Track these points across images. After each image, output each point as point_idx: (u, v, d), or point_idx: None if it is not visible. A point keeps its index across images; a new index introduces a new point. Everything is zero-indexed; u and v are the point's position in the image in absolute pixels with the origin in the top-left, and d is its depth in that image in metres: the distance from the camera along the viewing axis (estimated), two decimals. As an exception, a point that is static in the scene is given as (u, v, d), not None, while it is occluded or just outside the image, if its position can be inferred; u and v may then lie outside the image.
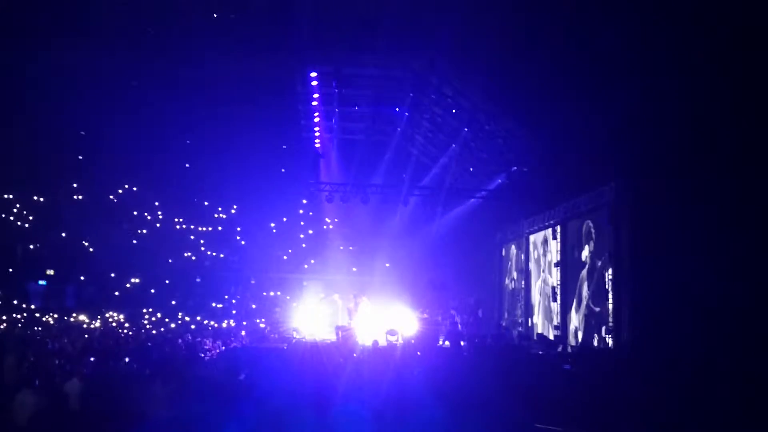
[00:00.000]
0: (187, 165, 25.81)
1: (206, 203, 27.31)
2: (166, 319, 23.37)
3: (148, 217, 26.79)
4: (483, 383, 11.74)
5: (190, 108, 21.79)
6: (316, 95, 20.02)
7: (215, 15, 17.35)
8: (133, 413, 9.70)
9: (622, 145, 14.04)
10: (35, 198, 25.71)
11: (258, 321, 24.68)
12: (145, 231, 26.57)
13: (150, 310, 24.16)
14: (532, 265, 20.66)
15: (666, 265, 12.72)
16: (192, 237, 27.30)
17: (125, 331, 20.38)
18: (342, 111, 21.58)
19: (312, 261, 27.89)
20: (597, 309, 15.52)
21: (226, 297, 26.84)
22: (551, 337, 17.87)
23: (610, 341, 14.47)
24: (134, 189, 26.29)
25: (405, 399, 10.75)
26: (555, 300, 18.16)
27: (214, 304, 26.17)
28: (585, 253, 16.51)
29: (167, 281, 25.88)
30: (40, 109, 20.42)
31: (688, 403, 9.61)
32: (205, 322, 23.71)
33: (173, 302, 25.17)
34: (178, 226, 27.09)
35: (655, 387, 10.48)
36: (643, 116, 13.10)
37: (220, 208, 27.68)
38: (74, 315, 23.10)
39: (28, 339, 16.18)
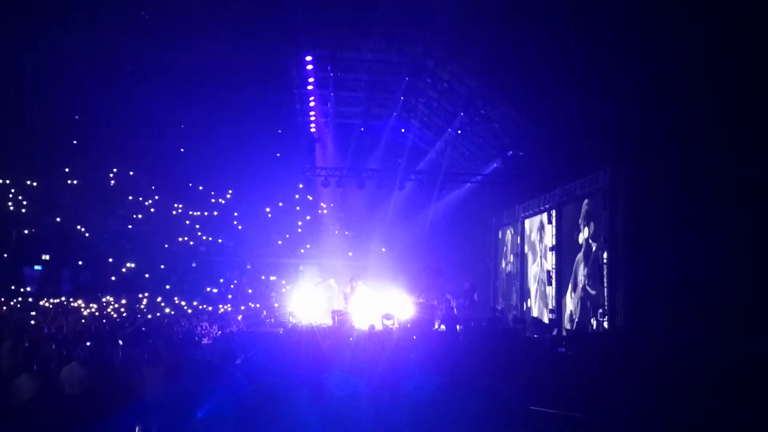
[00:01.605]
0: (182, 149, 25.74)
1: (201, 188, 27.28)
2: (162, 304, 23.39)
3: (145, 202, 26.73)
4: (478, 367, 11.78)
5: (185, 92, 21.70)
6: (311, 79, 19.91)
7: (210, -2, 17.24)
8: (130, 397, 9.71)
9: (618, 130, 14.02)
10: (29, 182, 25.61)
11: (254, 305, 24.71)
12: (140, 216, 26.54)
13: (146, 294, 24.14)
14: (527, 249, 20.69)
15: (661, 249, 12.73)
16: (187, 222, 27.28)
17: (121, 315, 20.38)
18: (337, 95, 21.48)
19: (308, 246, 27.92)
20: (592, 292, 15.57)
21: (222, 281, 26.86)
22: (546, 321, 17.93)
23: (605, 324, 14.52)
24: (130, 173, 26.23)
25: (401, 383, 10.78)
26: (550, 284, 18.19)
27: (209, 289, 26.20)
28: (581, 237, 16.53)
29: (163, 266, 25.89)
30: (34, 93, 20.28)
31: (684, 387, 9.65)
32: (201, 306, 23.73)
33: (168, 287, 25.16)
34: (173, 211, 27.04)
35: (650, 370, 10.53)
36: (639, 101, 13.08)
37: (214, 193, 27.61)
38: (70, 300, 23.09)
39: (24, 324, 16.15)
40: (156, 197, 26.86)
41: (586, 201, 16.33)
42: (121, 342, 13.47)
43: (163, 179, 26.29)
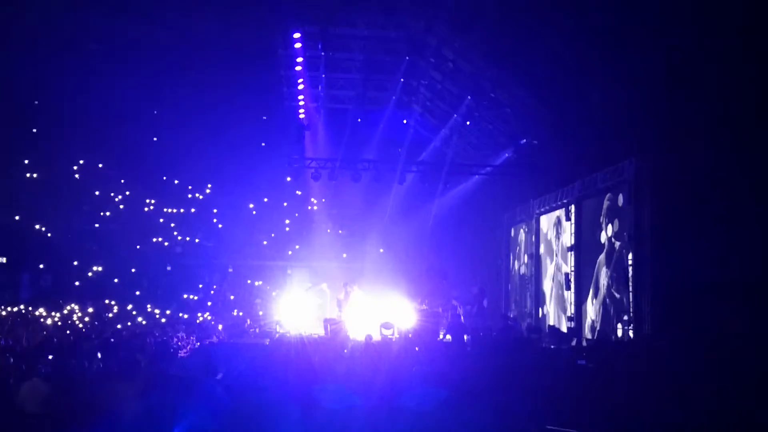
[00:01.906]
0: (155, 138, 25.68)
1: (177, 181, 27.22)
2: (134, 312, 23.35)
3: (114, 198, 26.67)
4: (488, 381, 11.78)
5: (158, 74, 21.64)
6: (299, 59, 19.86)
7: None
8: (97, 416, 9.70)
9: (644, 116, 14.03)
10: (-18, 176, 25.53)
11: (236, 314, 24.70)
12: (108, 213, 26.49)
13: (114, 302, 24.11)
14: (543, 250, 20.71)
15: (693, 247, 12.75)
16: (162, 219, 27.23)
17: (88, 325, 20.35)
18: (329, 77, 21.45)
19: (297, 246, 27.91)
20: (616, 297, 15.59)
21: (201, 287, 26.85)
22: (564, 330, 17.96)
23: (630, 333, 14.54)
24: (98, 166, 26.13)
25: (401, 400, 10.78)
26: (569, 288, 18.21)
27: (186, 296, 26.18)
28: (603, 236, 16.56)
29: (134, 270, 25.86)
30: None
31: (720, 402, 9.66)
32: (178, 315, 23.72)
33: (140, 293, 25.14)
34: (146, 208, 27.00)
35: (681, 384, 10.53)
36: (669, 84, 13.07)
37: (191, 187, 27.57)
38: (30, 308, 23.07)
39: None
40: (126, 192, 26.79)
41: (608, 195, 16.34)
42: (89, 356, 13.45)
43: (135, 172, 26.21)
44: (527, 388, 11.41)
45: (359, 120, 23.62)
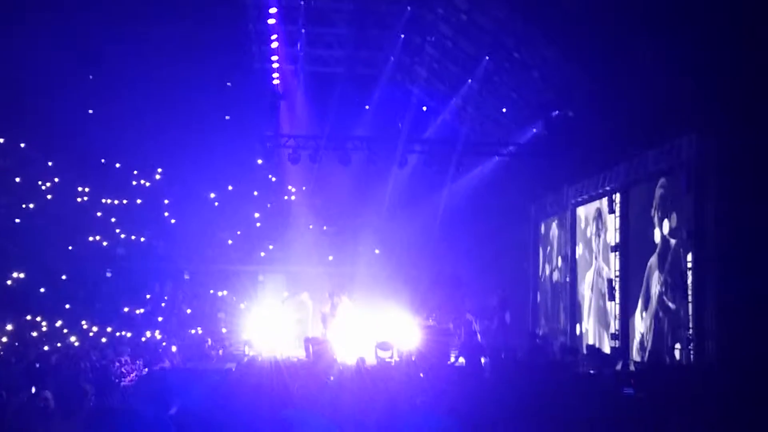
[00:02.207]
0: (90, 111, 25.59)
1: (119, 165, 27.16)
2: (65, 330, 23.34)
3: (40, 186, 26.62)
4: (512, 414, 11.84)
5: (93, 27, 21.53)
6: (273, 10, 19.88)
7: None
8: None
9: (708, 83, 14.03)
10: None
11: (194, 332, 24.72)
12: (32, 205, 26.40)
13: (40, 317, 24.11)
14: (580, 250, 20.77)
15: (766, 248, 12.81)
16: (99, 213, 27.18)
17: (6, 346, 20.38)
18: (311, 32, 21.48)
19: (270, 247, 27.92)
20: (672, 309, 15.66)
21: (149, 298, 26.82)
22: (607, 350, 18.04)
23: (690, 355, 14.62)
24: (20, 145, 26.07)
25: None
26: (612, 298, 18.29)
27: (131, 309, 26.16)
28: (655, 232, 16.62)
29: (64, 276, 25.80)
30: None
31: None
32: (120, 333, 23.73)
33: (72, 306, 25.11)
34: (79, 198, 26.95)
35: (752, 417, 10.60)
36: (738, 45, 13.08)
37: (137, 172, 27.53)
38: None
39: None
40: (55, 179, 26.71)
41: (662, 181, 16.40)
42: (7, 386, 13.48)
43: (65, 153, 26.13)
44: (560, 423, 11.48)
45: (349, 87, 23.61)
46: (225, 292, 27.35)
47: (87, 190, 26.91)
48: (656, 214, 16.61)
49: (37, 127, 24.72)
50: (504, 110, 22.65)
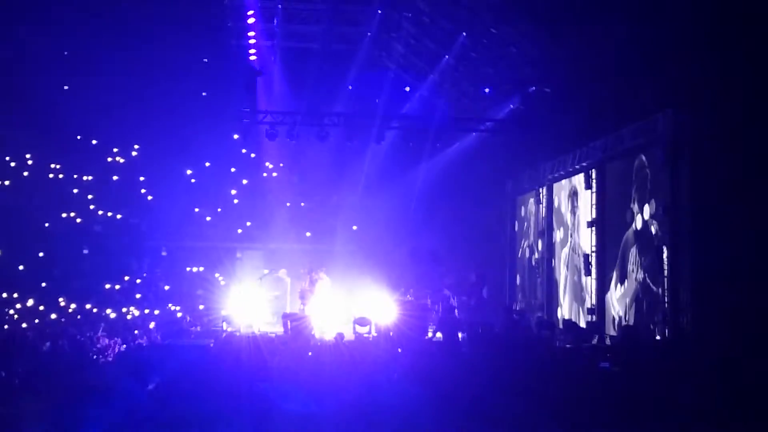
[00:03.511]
0: (66, 87, 25.36)
1: (95, 141, 26.94)
2: (41, 307, 23.23)
3: (11, 163, 26.40)
4: (489, 388, 11.90)
5: (67, 4, 21.29)
6: (249, -15, 19.75)
7: None
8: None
9: (685, 57, 14.04)
10: None
11: (172, 309, 24.65)
12: (6, 182, 26.18)
13: (17, 294, 23.97)
14: (557, 225, 20.83)
15: (743, 223, 12.87)
16: (75, 190, 26.97)
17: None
18: (288, 8, 21.32)
19: (248, 224, 27.81)
20: (648, 285, 15.75)
21: (127, 278, 26.70)
22: (583, 325, 18.13)
23: (665, 329, 14.71)
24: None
25: (379, 414, 10.87)
26: (589, 273, 18.36)
27: (108, 286, 26.04)
28: (632, 208, 16.67)
29: (41, 254, 25.65)
30: None
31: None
32: (97, 311, 23.63)
33: (49, 284, 24.98)
34: (53, 175, 26.74)
35: (725, 391, 10.70)
36: (717, 18, 13.08)
37: (116, 150, 27.33)
38: None
39: None
40: (28, 156, 26.51)
41: (638, 156, 16.43)
42: None
43: (39, 129, 25.91)
44: (537, 396, 11.55)
45: (326, 63, 23.48)
46: (202, 269, 27.27)
47: (61, 166, 26.70)
48: (633, 190, 16.66)
49: (9, 102, 24.47)
50: (486, 90, 22.56)
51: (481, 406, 11.23)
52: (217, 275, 26.61)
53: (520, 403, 11.18)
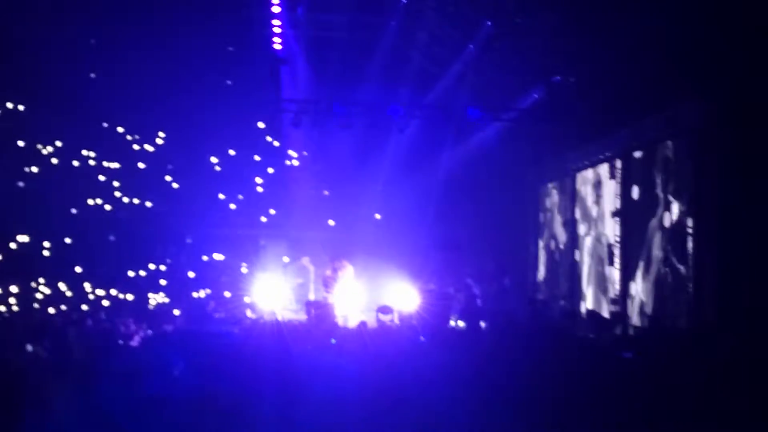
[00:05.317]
0: (93, 75, 25.48)
1: (122, 129, 27.07)
2: (68, 293, 23.41)
3: (41, 150, 26.55)
4: (511, 378, 11.85)
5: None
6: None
7: None
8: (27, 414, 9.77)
9: (713, 47, 13.90)
10: None
11: (197, 296, 24.78)
12: (35, 169, 26.36)
13: (44, 280, 24.15)
14: (580, 215, 20.73)
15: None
16: (102, 178, 27.11)
17: (11, 309, 20.42)
18: (312, -3, 21.33)
19: (272, 212, 27.88)
20: (673, 274, 15.64)
21: (152, 266, 26.85)
22: (606, 315, 18.06)
23: (691, 320, 14.62)
24: (19, 108, 25.96)
25: (403, 401, 10.84)
26: (612, 263, 18.29)
27: (134, 273, 26.20)
28: (656, 197, 16.56)
29: (68, 240, 25.82)
30: None
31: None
32: (123, 296, 23.79)
33: (76, 269, 25.15)
34: (78, 162, 26.88)
35: (754, 384, 10.60)
36: (739, 8, 12.95)
37: (139, 137, 27.44)
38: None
39: None
40: (57, 143, 26.66)
41: (663, 146, 16.31)
42: (13, 347, 13.51)
43: (68, 117, 26.02)
44: (560, 387, 11.49)
45: (350, 52, 23.45)
46: (226, 256, 27.38)
47: (90, 154, 26.85)
48: (658, 180, 16.55)
49: (38, 91, 24.64)
50: (506, 78, 22.46)
51: (501, 393, 11.18)
52: (241, 263, 26.73)
53: (539, 391, 11.12)
